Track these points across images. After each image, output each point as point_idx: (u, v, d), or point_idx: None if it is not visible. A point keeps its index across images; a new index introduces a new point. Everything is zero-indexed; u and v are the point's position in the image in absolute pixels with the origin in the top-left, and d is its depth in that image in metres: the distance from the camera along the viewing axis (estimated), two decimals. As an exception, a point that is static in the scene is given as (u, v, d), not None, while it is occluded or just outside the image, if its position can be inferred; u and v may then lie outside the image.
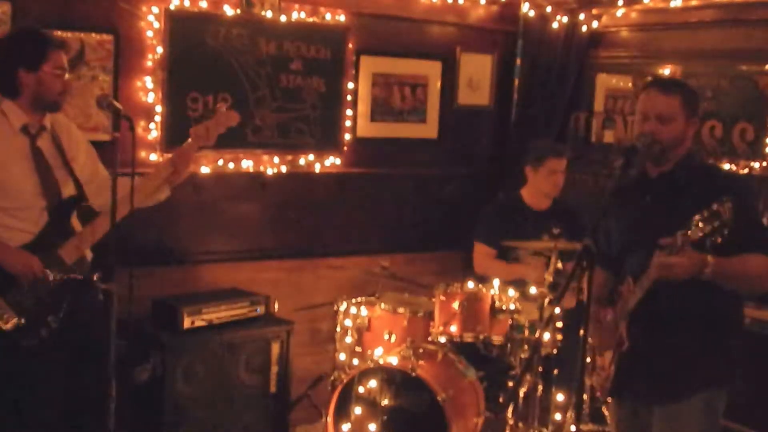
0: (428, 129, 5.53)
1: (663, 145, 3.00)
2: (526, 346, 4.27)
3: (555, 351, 4.30)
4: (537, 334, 4.16)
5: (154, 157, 4.47)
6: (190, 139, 3.60)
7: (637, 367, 3.06)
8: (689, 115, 3.03)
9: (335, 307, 4.58)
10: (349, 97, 5.13)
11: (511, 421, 4.25)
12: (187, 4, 4.48)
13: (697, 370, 3.00)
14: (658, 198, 3.06)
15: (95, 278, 3.32)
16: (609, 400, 3.29)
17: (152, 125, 4.48)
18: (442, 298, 4.32)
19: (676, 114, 3.00)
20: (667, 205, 3.02)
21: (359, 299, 4.59)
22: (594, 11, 5.53)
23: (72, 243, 3.36)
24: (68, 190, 3.43)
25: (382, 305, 4.47)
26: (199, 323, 4.32)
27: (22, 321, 3.24)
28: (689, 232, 2.71)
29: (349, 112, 5.15)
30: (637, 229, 3.10)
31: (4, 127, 3.31)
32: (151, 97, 4.46)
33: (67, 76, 3.38)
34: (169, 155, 4.33)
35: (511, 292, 4.36)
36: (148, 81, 4.45)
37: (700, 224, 2.67)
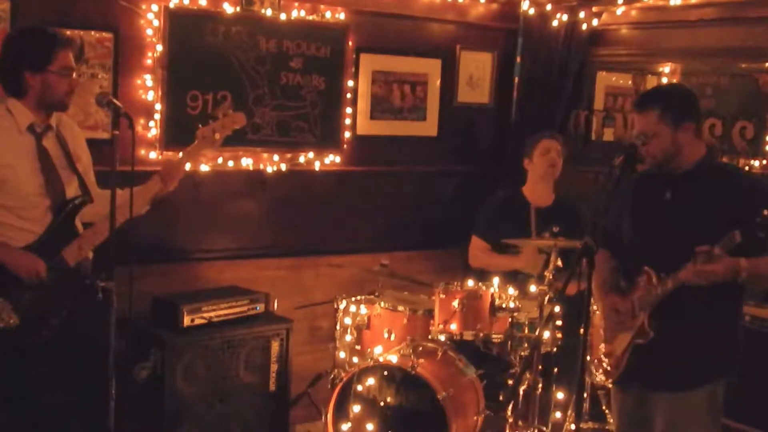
0: (428, 127, 5.53)
1: (656, 159, 3.04)
2: (526, 344, 4.27)
3: (555, 349, 4.31)
4: (537, 332, 4.16)
5: (153, 155, 4.47)
6: (196, 141, 3.61)
7: (651, 356, 3.12)
8: (675, 122, 3.04)
9: (335, 305, 4.57)
10: (348, 95, 5.13)
11: (510, 419, 4.25)
12: (186, 2, 4.47)
13: (709, 361, 3.08)
14: (679, 196, 3.10)
15: (96, 278, 3.32)
16: (608, 384, 3.33)
17: (152, 123, 4.48)
18: (442, 296, 4.32)
19: (656, 128, 3.03)
20: (686, 204, 3.08)
21: (359, 297, 4.59)
22: (594, 9, 5.52)
23: (75, 245, 3.36)
24: (72, 190, 3.43)
25: (382, 303, 4.47)
26: (199, 321, 4.32)
27: (24, 321, 3.24)
28: (728, 241, 2.79)
29: (348, 110, 5.15)
30: (656, 223, 3.15)
31: (10, 126, 3.30)
32: (150, 95, 4.45)
33: (74, 75, 3.38)
34: (170, 154, 4.36)
35: (511, 290, 4.36)
36: (148, 79, 4.44)
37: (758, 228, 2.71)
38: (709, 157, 3.16)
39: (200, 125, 3.64)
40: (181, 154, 3.65)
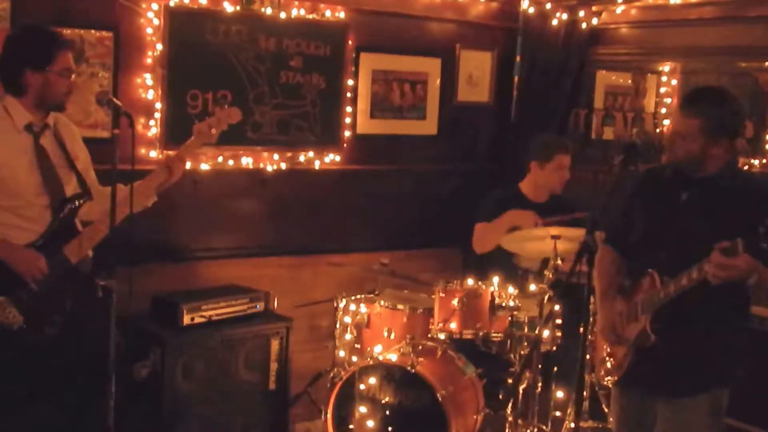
0: (428, 126, 5.53)
1: (677, 158, 3.02)
2: (525, 343, 4.27)
3: (554, 348, 4.31)
4: (536, 331, 4.16)
5: (153, 154, 4.47)
6: (193, 137, 3.61)
7: (653, 360, 3.10)
8: (712, 137, 3.00)
9: (335, 304, 4.58)
10: (348, 94, 5.13)
11: (510, 418, 4.25)
12: (186, 0, 4.48)
13: (711, 367, 3.06)
14: (696, 199, 3.08)
15: (96, 276, 3.32)
16: (610, 384, 3.32)
17: (152, 122, 4.48)
18: (442, 294, 4.32)
19: (694, 136, 3.00)
20: (704, 208, 3.04)
21: (359, 296, 4.59)
22: (594, 8, 5.52)
23: (75, 242, 3.36)
24: (71, 188, 3.43)
25: (382, 302, 4.47)
26: (198, 320, 4.32)
27: (28, 320, 3.25)
28: (732, 248, 2.73)
29: (348, 108, 5.15)
30: (667, 225, 3.12)
31: (7, 125, 3.30)
32: (150, 94, 4.45)
33: (73, 77, 3.38)
34: (170, 153, 4.37)
35: (511, 289, 4.36)
36: (148, 78, 4.44)
37: None
38: (732, 164, 3.14)
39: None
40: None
